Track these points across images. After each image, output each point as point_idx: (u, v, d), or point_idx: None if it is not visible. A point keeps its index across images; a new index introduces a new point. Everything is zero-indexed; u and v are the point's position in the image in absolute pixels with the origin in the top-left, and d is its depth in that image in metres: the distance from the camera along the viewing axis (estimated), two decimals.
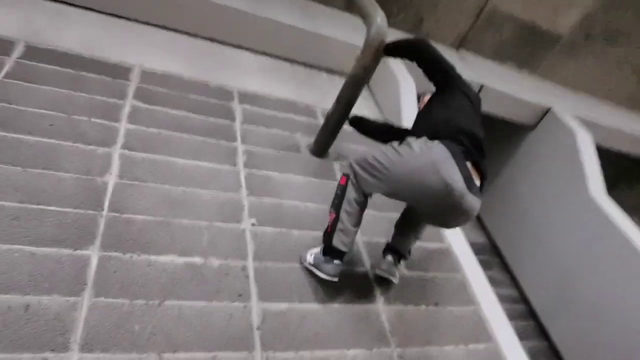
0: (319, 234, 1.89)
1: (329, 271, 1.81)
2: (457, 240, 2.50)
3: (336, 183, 1.86)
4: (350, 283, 1.95)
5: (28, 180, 1.72)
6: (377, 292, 2.00)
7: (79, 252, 1.58)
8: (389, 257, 1.96)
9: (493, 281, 2.45)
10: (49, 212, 1.65)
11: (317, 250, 1.89)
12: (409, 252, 2.04)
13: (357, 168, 1.75)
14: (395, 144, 1.71)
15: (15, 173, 1.73)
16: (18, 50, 2.28)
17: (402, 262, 2.06)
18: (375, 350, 1.76)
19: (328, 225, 1.82)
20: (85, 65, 2.42)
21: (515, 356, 2.01)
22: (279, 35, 3.30)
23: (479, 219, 4.98)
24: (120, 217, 1.77)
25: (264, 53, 3.36)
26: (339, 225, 1.78)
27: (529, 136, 4.59)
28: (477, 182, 1.64)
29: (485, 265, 2.58)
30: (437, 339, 1.92)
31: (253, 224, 2.01)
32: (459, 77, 1.93)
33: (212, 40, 3.20)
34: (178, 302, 1.59)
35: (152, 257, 1.68)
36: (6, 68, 2.14)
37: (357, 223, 1.82)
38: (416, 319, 1.97)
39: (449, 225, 1.87)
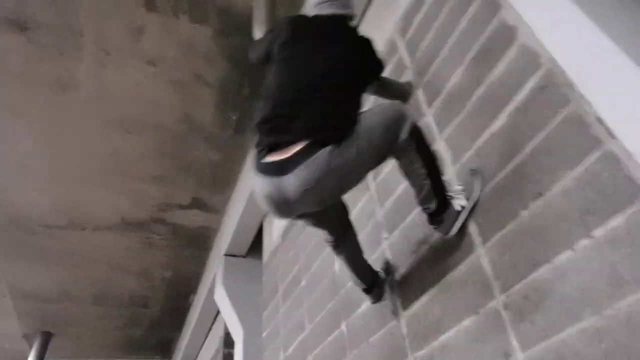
0: None
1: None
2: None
3: None
4: (447, 245, 1.78)
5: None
6: (474, 235, 1.67)
7: None
8: None
9: None
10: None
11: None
12: None
13: None
14: None
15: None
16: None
17: None
18: (482, 311, 1.56)
19: None
20: None
21: None
22: None
23: None
24: None
25: None
26: None
27: None
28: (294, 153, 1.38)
29: None
30: (547, 244, 1.35)
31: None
32: (261, 45, 1.77)
33: None
34: None
35: None
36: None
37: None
38: (518, 236, 1.48)
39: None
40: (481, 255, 1.62)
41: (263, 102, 1.58)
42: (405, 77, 2.38)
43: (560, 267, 1.30)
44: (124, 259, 6.19)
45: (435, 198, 1.61)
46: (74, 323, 7.22)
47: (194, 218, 5.71)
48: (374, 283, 2.01)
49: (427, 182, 1.60)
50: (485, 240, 1.62)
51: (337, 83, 1.54)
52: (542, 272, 1.36)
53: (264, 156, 1.45)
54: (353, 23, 1.98)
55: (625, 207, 1.16)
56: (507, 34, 1.70)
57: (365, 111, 1.60)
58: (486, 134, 1.72)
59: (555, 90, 1.44)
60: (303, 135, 1.41)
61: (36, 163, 4.64)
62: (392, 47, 2.61)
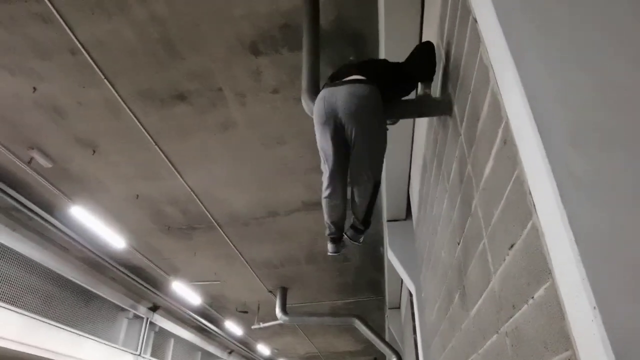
0: None
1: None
2: None
3: None
4: (480, 267, 1.97)
5: None
6: (490, 262, 1.84)
7: None
8: None
9: None
10: None
11: None
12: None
13: None
14: None
15: None
16: None
17: None
18: (501, 331, 1.79)
19: None
20: None
21: None
22: None
23: None
24: None
25: None
26: None
27: None
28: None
29: None
30: (518, 291, 1.52)
31: None
32: None
33: None
34: None
35: None
36: None
37: None
38: (506, 277, 1.64)
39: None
40: (494, 282, 1.82)
41: None
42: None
43: (524, 315, 1.48)
44: (314, 228, 7.55)
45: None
46: (299, 279, 9.23)
47: None
48: (342, 236, 2.63)
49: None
50: (494, 270, 1.81)
51: None
52: (517, 316, 1.55)
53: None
54: None
55: (542, 282, 1.29)
56: (484, 74, 1.73)
57: None
58: (487, 169, 1.83)
59: (510, 148, 1.51)
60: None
61: (233, 180, 6.19)
62: (438, 52, 2.64)
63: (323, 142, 2.33)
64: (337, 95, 2.15)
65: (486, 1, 1.55)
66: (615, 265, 1.02)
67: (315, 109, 2.26)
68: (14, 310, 7.23)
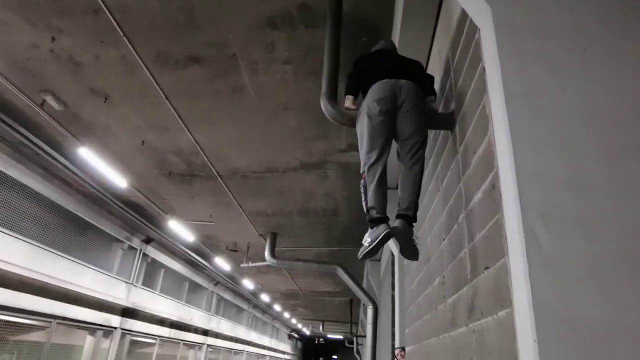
0: None
1: (380, 231, 2.36)
2: None
3: None
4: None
5: None
6: (468, 266, 2.27)
7: None
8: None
9: None
10: None
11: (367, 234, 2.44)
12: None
13: None
14: None
15: None
16: None
17: None
18: (471, 326, 2.26)
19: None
20: None
21: None
22: None
23: None
24: None
25: None
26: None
27: None
28: None
29: None
30: (490, 302, 1.96)
31: None
32: None
33: None
34: None
35: None
36: None
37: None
38: (481, 288, 2.07)
39: None
40: (468, 289, 2.26)
41: None
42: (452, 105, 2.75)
43: (488, 324, 1.93)
44: (310, 187, 7.97)
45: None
46: (289, 227, 9.80)
47: (353, 156, 6.87)
48: (386, 218, 2.43)
49: None
50: (470, 279, 2.24)
51: None
52: (482, 322, 2.00)
53: None
54: None
55: (504, 307, 1.71)
56: (484, 121, 2.05)
57: None
58: (475, 198, 2.20)
59: (496, 194, 1.87)
60: None
61: (238, 139, 6.47)
62: (447, 70, 2.91)
63: (374, 116, 2.52)
64: (401, 82, 2.55)
65: (496, 73, 1.82)
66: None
67: (377, 87, 2.55)
68: (21, 239, 7.67)
